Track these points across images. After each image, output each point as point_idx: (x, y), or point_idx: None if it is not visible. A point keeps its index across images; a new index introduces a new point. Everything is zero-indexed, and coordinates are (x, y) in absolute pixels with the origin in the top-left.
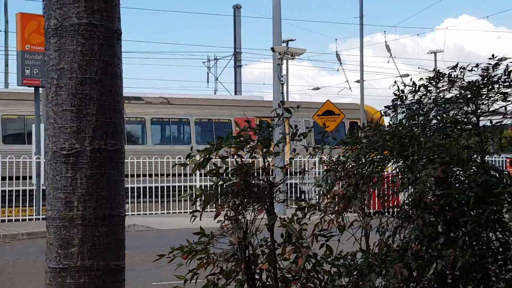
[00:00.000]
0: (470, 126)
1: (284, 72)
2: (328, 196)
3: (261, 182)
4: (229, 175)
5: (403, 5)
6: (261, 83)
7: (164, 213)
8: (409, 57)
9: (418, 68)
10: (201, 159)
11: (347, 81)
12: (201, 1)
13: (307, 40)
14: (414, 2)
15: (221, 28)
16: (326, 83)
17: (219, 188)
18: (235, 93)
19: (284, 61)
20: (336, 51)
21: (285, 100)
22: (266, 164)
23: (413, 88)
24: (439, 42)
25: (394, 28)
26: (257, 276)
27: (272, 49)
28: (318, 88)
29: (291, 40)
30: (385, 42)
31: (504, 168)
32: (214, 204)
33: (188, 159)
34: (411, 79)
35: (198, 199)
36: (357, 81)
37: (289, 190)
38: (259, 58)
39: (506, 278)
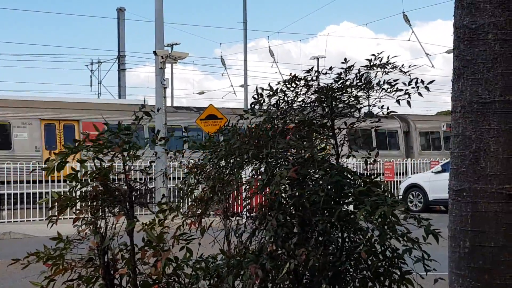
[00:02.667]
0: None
1: (168, 76)
2: (190, 199)
3: (121, 186)
4: (87, 179)
5: (286, 10)
6: (146, 86)
7: (42, 219)
8: (293, 62)
9: (276, 73)
10: (57, 163)
11: (231, 85)
12: (84, 3)
13: (193, 44)
14: (296, 8)
15: (105, 31)
16: (212, 87)
17: (75, 192)
18: (119, 97)
19: (169, 65)
20: (221, 56)
21: (172, 104)
22: (127, 167)
23: (270, 92)
24: (321, 48)
25: (277, 33)
26: (117, 282)
27: (155, 52)
28: (203, 92)
29: (176, 44)
30: (269, 47)
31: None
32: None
33: (46, 164)
34: (269, 84)
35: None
36: (242, 86)
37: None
38: (145, 62)
39: (360, 277)
